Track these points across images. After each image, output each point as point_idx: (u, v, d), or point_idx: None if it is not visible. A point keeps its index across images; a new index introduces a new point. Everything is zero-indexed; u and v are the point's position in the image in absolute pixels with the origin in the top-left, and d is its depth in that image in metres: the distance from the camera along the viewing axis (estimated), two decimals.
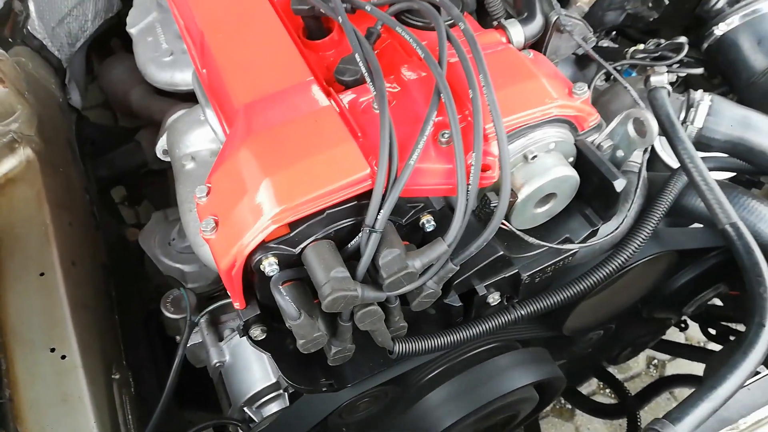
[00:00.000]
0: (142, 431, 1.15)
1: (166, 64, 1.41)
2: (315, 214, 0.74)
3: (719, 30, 1.25)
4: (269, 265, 0.74)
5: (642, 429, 0.73)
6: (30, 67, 1.47)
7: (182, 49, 1.41)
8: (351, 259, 0.77)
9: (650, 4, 1.11)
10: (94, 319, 1.23)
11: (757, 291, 0.84)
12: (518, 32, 1.02)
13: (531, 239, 0.89)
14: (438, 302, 0.88)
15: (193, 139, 1.28)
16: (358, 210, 0.76)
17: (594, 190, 0.89)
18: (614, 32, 1.33)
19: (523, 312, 0.97)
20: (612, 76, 1.01)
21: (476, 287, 0.91)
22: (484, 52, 0.82)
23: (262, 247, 0.74)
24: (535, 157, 0.83)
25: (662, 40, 1.11)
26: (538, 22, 1.04)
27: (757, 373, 0.81)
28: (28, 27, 1.51)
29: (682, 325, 1.99)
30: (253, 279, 0.79)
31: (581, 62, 1.22)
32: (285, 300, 0.74)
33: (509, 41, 1.02)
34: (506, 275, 0.91)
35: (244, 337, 0.86)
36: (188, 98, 1.42)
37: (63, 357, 1.11)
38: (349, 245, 0.78)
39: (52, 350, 1.11)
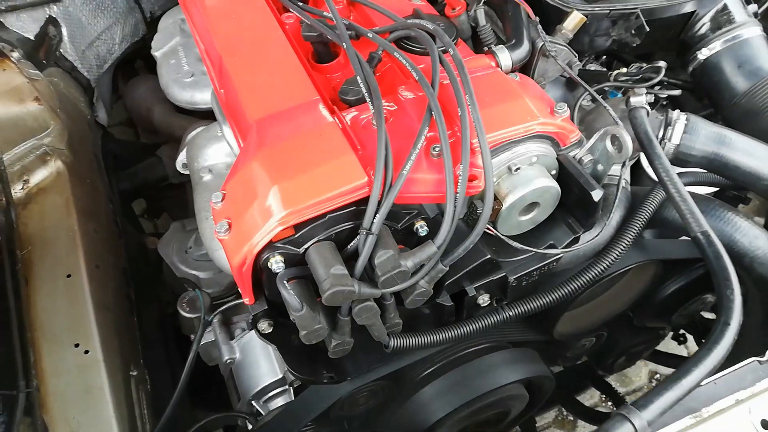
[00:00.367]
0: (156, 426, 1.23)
1: (187, 85, 1.52)
2: (318, 217, 0.83)
3: (702, 54, 1.34)
4: (276, 263, 0.83)
5: (611, 414, 0.79)
6: (62, 87, 1.58)
7: (202, 71, 1.51)
8: (350, 260, 0.85)
9: (633, 32, 1.20)
10: (115, 320, 1.32)
11: (724, 293, 0.90)
12: (506, 57, 1.11)
13: (517, 244, 0.96)
14: (431, 302, 0.96)
15: (211, 154, 1.37)
16: (357, 215, 0.85)
17: (575, 200, 0.97)
18: (604, 56, 1.42)
19: (511, 313, 1.04)
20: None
21: (466, 288, 0.99)
22: (473, 75, 0.92)
23: (270, 246, 0.83)
24: (518, 169, 0.92)
25: (644, 64, 1.19)
26: (524, 48, 1.14)
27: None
28: (61, 50, 1.63)
29: (681, 339, 2.03)
30: (261, 276, 0.87)
31: (570, 84, 1.31)
32: (290, 294, 0.82)
33: (498, 65, 1.11)
34: (494, 278, 0.99)
35: (254, 337, 0.94)
36: (207, 116, 1.51)
37: (86, 352, 1.20)
38: (349, 247, 0.86)
39: (77, 345, 1.20)
